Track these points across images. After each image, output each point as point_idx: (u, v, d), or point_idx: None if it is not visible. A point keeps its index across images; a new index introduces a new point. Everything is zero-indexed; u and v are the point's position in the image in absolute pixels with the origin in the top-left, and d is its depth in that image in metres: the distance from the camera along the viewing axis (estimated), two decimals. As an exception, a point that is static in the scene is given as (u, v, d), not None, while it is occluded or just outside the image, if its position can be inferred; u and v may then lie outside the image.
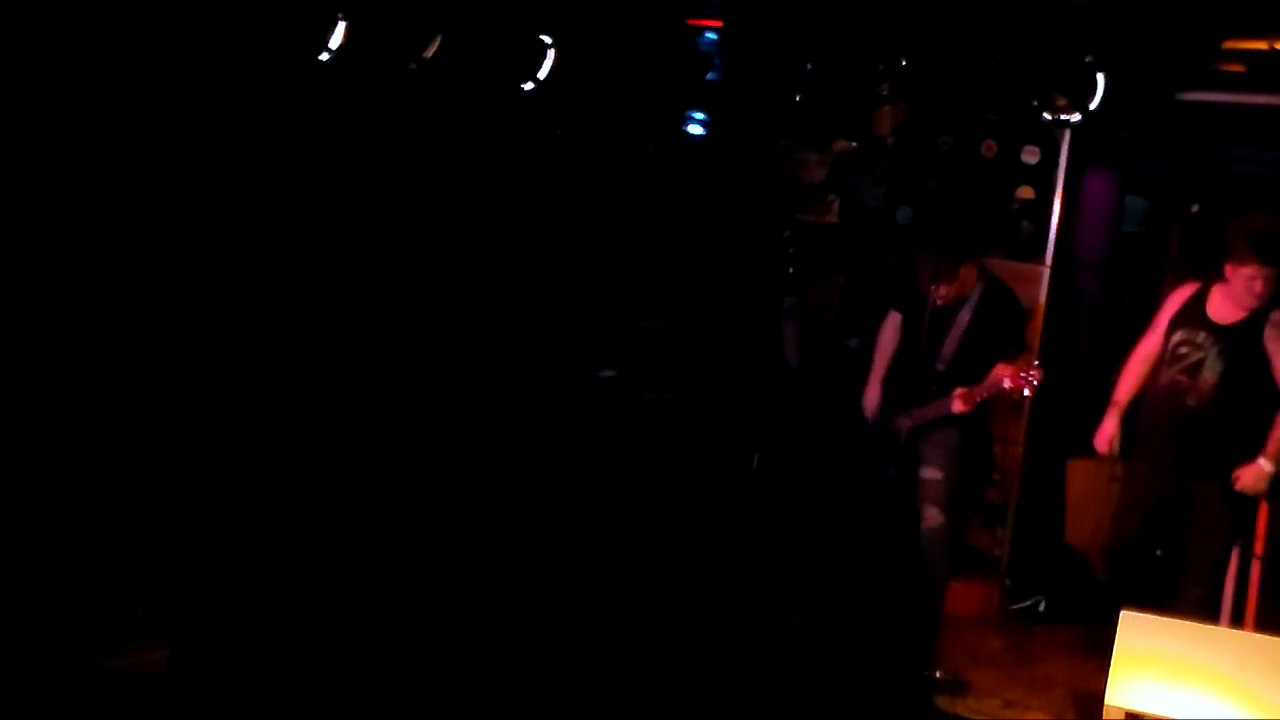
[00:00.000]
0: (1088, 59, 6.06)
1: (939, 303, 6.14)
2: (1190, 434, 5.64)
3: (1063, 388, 7.06)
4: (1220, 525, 5.67)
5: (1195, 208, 7.39)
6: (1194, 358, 5.64)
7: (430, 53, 5.93)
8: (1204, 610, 5.52)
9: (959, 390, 6.02)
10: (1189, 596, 5.58)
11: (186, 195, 5.74)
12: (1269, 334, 5.55)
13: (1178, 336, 5.71)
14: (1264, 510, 5.73)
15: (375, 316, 6.53)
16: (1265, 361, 5.54)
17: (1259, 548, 5.78)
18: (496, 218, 7.11)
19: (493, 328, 7.03)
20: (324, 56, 5.65)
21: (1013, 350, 6.18)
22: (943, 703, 5.40)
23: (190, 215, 5.76)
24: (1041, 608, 6.86)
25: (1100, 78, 6.05)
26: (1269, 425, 5.51)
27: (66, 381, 5.36)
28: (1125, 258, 7.57)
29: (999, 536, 6.84)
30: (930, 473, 6.25)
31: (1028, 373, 5.87)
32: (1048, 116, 6.28)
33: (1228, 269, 5.58)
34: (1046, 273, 6.88)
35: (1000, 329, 6.16)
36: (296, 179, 6.14)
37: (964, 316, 6.18)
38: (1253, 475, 5.51)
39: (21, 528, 5.07)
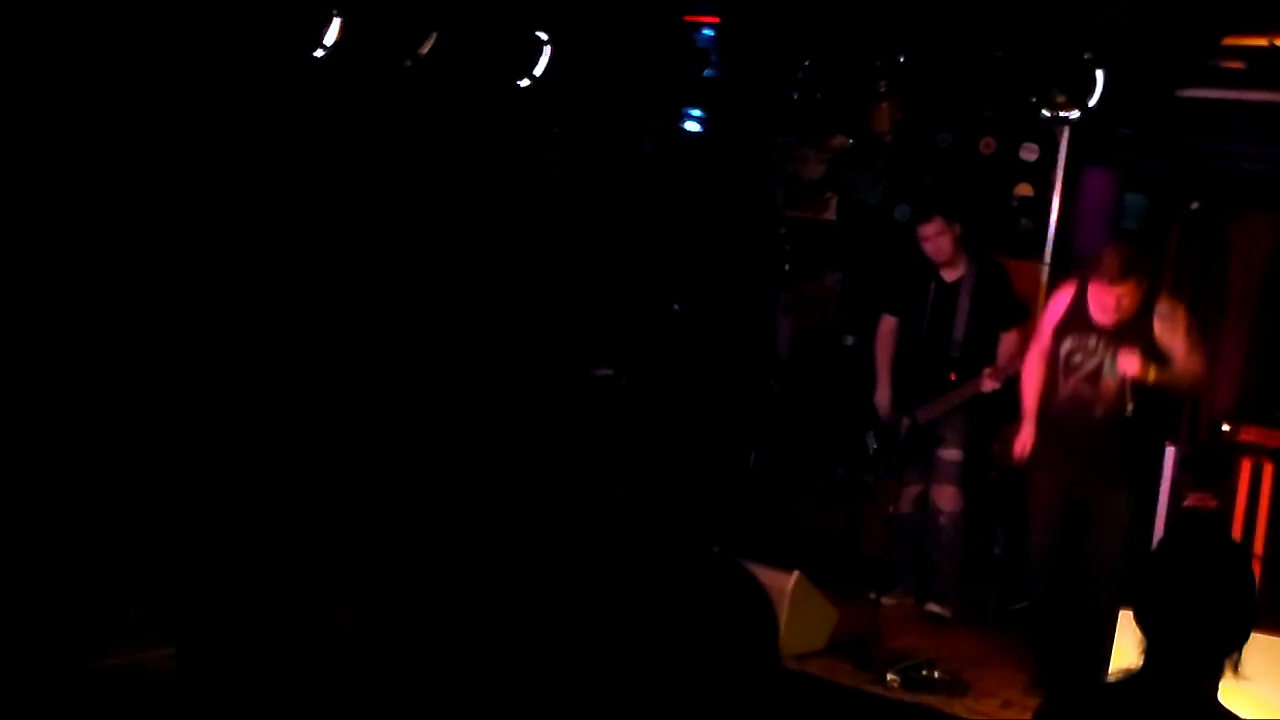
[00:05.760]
0: (1087, 55, 6.04)
1: (946, 281, 6.34)
2: (1101, 444, 5.52)
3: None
4: (1128, 530, 5.51)
5: (1195, 205, 7.35)
6: (1090, 365, 5.51)
7: (425, 49, 5.91)
8: (1112, 617, 4.97)
9: (987, 370, 6.14)
10: (1099, 603, 5.27)
11: (182, 192, 5.73)
12: (1159, 328, 5.43)
13: (1068, 344, 5.56)
14: (1263, 510, 5.70)
15: (372, 314, 6.52)
16: (1162, 358, 5.41)
17: (1259, 548, 5.74)
18: (493, 215, 7.09)
19: (489, 325, 7.01)
20: (319, 53, 5.64)
21: (1016, 318, 6.36)
22: (941, 703, 5.38)
23: (186, 212, 5.75)
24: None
25: (1099, 74, 6.03)
26: (1174, 415, 5.60)
27: (62, 381, 5.35)
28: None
29: (998, 536, 6.81)
30: (950, 453, 6.37)
31: None
32: (1046, 113, 6.26)
33: (1092, 285, 5.44)
34: (1045, 270, 6.86)
35: (999, 302, 6.35)
36: (292, 176, 6.13)
37: (964, 300, 6.33)
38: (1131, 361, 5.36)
39: (15, 528, 5.06)
